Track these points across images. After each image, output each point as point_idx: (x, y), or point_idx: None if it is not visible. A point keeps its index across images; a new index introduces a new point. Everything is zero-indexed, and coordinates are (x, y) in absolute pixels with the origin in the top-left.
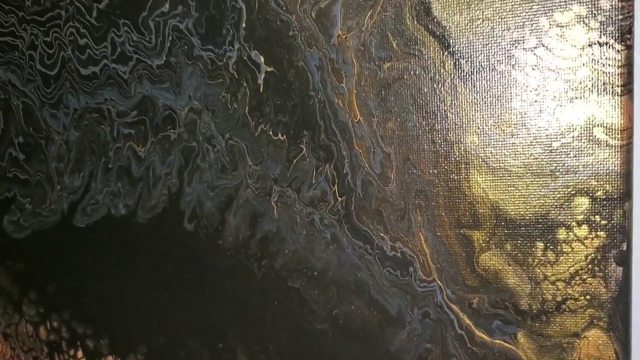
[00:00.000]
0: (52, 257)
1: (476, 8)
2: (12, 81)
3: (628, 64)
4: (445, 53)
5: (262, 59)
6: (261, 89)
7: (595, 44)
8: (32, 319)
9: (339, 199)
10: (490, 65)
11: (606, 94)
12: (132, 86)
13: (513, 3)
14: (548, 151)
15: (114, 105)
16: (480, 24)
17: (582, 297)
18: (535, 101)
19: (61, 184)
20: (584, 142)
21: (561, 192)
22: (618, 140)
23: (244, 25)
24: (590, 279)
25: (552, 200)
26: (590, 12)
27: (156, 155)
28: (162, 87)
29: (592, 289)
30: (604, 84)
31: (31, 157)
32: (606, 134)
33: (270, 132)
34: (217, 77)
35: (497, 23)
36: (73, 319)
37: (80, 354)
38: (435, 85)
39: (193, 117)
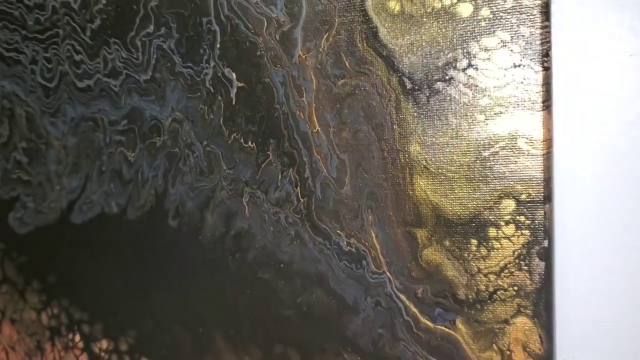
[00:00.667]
0: (53, 251)
1: (416, 33)
2: (16, 92)
3: (546, 84)
4: (391, 72)
5: (234, 75)
6: (233, 102)
7: (517, 65)
8: (35, 306)
9: (302, 200)
10: (429, 83)
11: (527, 109)
12: (122, 98)
13: (447, 29)
14: (479, 159)
15: (107, 114)
16: (419, 46)
17: (511, 288)
18: (467, 115)
19: (60, 184)
20: (509, 151)
21: (491, 195)
22: (539, 150)
23: (218, 45)
24: (517, 272)
25: (483, 202)
26: (512, 38)
27: (144, 160)
28: (149, 100)
29: (519, 281)
30: (525, 100)
31: (33, 160)
32: (528, 145)
33: (242, 140)
34: (196, 91)
35: (434, 46)
36: (71, 306)
37: (77, 337)
38: (382, 100)
39: (175, 126)
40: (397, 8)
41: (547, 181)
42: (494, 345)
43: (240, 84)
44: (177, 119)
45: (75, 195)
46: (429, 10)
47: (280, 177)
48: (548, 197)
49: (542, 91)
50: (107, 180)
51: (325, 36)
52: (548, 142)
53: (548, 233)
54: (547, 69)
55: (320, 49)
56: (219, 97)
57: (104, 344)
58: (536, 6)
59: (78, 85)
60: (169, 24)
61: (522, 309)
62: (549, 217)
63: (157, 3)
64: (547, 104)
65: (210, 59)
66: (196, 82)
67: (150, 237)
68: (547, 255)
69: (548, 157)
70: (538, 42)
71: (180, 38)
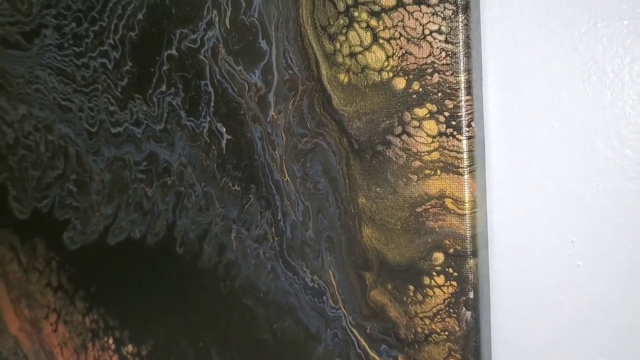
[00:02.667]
0: (93, 266)
1: (360, 102)
2: (69, 134)
3: (469, 150)
4: (342, 133)
5: (224, 129)
6: (224, 151)
7: (444, 134)
8: (81, 311)
9: (276, 238)
10: (372, 145)
11: (453, 173)
12: (143, 143)
13: (384, 100)
14: (413, 214)
15: (132, 156)
16: (363, 113)
17: (443, 333)
18: (402, 175)
19: (99, 211)
20: (438, 209)
21: (424, 247)
22: (464, 210)
23: (212, 104)
24: (447, 318)
25: (418, 253)
26: (439, 109)
27: (159, 195)
28: (162, 146)
29: (449, 327)
30: (451, 165)
31: (81, 190)
32: (454, 205)
33: (230, 184)
34: (196, 140)
35: (375, 114)
36: (106, 314)
37: (110, 340)
38: (336, 157)
39: (181, 169)
40: (346, 80)
41: (473, 238)
42: None
43: (229, 137)
44: (182, 163)
45: (110, 221)
46: (370, 82)
47: (259, 217)
48: (473, 253)
49: (466, 157)
50: (132, 210)
51: (291, 100)
52: (471, 203)
53: (474, 285)
54: (470, 138)
55: (288, 111)
56: (213, 147)
57: (130, 348)
58: (460, 82)
59: (112, 131)
60: (177, 85)
61: (452, 352)
62: (473, 271)
63: (168, 67)
64: (470, 169)
65: (207, 114)
66: (196, 133)
67: (163, 261)
68: (472, 306)
69: (472, 217)
70: (461, 114)
71: (185, 96)
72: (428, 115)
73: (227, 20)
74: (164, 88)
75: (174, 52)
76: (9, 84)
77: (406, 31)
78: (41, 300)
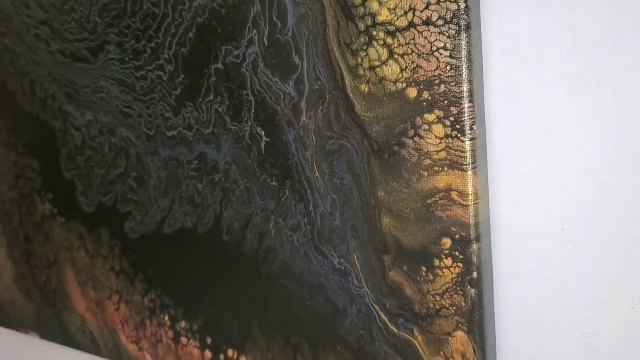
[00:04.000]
0: (151, 252)
1: (380, 109)
2: (129, 137)
3: (472, 150)
4: (364, 136)
5: (263, 133)
6: (263, 152)
7: (450, 136)
8: (140, 292)
9: (308, 227)
10: (389, 146)
11: (458, 170)
12: (194, 145)
13: (400, 106)
14: (424, 205)
15: (185, 157)
16: (382, 119)
17: (451, 308)
18: (415, 171)
19: (156, 204)
20: (446, 201)
21: (434, 234)
22: (468, 202)
23: (253, 111)
24: (455, 295)
25: (429, 239)
26: (445, 115)
27: (208, 190)
28: (211, 147)
29: (457, 303)
30: (456, 163)
31: (140, 186)
32: (459, 197)
33: (268, 180)
34: (240, 142)
35: (392, 119)
36: (163, 294)
37: (166, 318)
38: (359, 157)
39: (227, 167)
40: (366, 90)
41: (476, 226)
42: (441, 352)
43: (267, 139)
44: (228, 162)
45: (166, 213)
46: (387, 92)
47: (294, 209)
48: (477, 239)
49: (469, 156)
50: (185, 203)
51: (320, 108)
52: (474, 196)
53: (477, 266)
54: (472, 139)
55: (318, 117)
56: (254, 148)
57: (183, 324)
58: (463, 92)
59: (167, 134)
60: (223, 94)
61: (459, 325)
62: (477, 254)
63: (215, 79)
64: (473, 166)
65: (249, 120)
66: (240, 136)
67: (211, 247)
68: (476, 284)
69: (475, 207)
70: (464, 119)
71: (230, 104)
72: (436, 120)
73: (265, 39)
74: (211, 97)
75: (220, 66)
76: (77, 93)
77: (417, 48)
78: (105, 283)
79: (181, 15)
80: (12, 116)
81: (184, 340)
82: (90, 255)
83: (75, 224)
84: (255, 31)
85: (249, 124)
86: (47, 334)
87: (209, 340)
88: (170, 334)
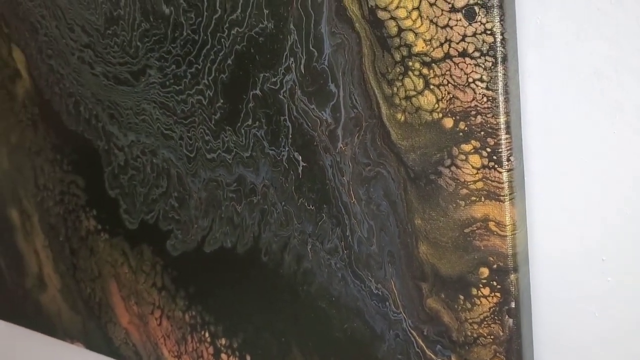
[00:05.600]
0: (192, 270)
1: (416, 138)
2: (171, 158)
3: (509, 181)
4: (400, 164)
5: (300, 157)
6: (300, 176)
7: (487, 167)
8: (181, 308)
9: (345, 251)
10: (425, 174)
11: (495, 200)
12: (233, 167)
13: (436, 136)
14: (462, 234)
15: (224, 178)
16: (418, 147)
17: (489, 337)
18: (452, 200)
19: (197, 224)
20: (483, 231)
21: (471, 263)
22: (505, 232)
23: (290, 136)
24: (493, 324)
25: (466, 268)
26: (482, 146)
27: (246, 212)
28: (249, 170)
29: (495, 332)
30: (493, 193)
31: (181, 205)
32: (496, 227)
33: (306, 204)
34: (277, 166)
35: (428, 148)
36: (203, 311)
37: (207, 334)
38: (395, 184)
39: (265, 190)
40: (402, 119)
41: (514, 256)
42: None
43: (304, 164)
44: (266, 185)
45: (206, 232)
46: (423, 121)
47: (331, 232)
48: (514, 269)
49: (507, 187)
50: (224, 224)
51: (357, 135)
52: (512, 226)
53: (515, 296)
54: (509, 170)
55: (354, 144)
56: (291, 172)
57: (223, 341)
58: (499, 123)
59: (207, 156)
60: (260, 120)
61: (497, 353)
62: (515, 284)
63: (253, 104)
64: (510, 197)
65: (286, 144)
66: (277, 160)
67: (250, 267)
68: (515, 314)
69: (512, 238)
70: (500, 150)
71: (268, 129)
72: (473, 151)
73: (302, 67)
74: (250, 122)
75: (258, 92)
76: (120, 115)
77: (453, 79)
78: (147, 298)
79: (220, 42)
80: (57, 134)
81: (224, 356)
82: (133, 271)
83: (119, 240)
84: (292, 59)
85: (287, 148)
86: (92, 345)
87: (248, 358)
88: (211, 350)
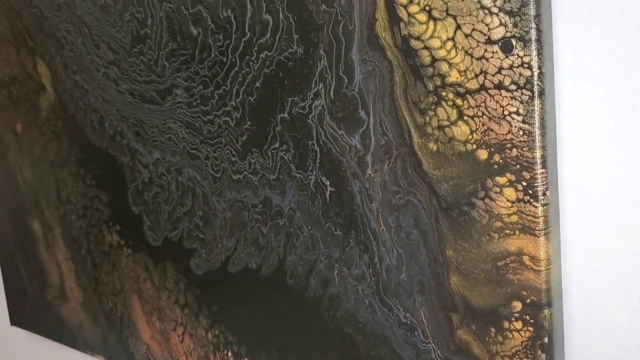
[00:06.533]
0: (216, 289)
1: (448, 168)
2: (196, 177)
3: (544, 216)
4: (432, 193)
5: (328, 182)
6: (328, 201)
7: (522, 200)
8: (204, 326)
9: (373, 278)
10: (458, 205)
11: (530, 235)
12: (259, 189)
13: (470, 167)
14: (495, 267)
15: (250, 200)
16: (450, 178)
17: None
18: (485, 233)
19: (221, 243)
20: (517, 265)
21: (504, 296)
22: (539, 267)
23: (318, 161)
24: (524, 358)
25: (499, 301)
26: (517, 179)
27: (272, 234)
28: (275, 192)
29: None
30: (528, 228)
31: (206, 224)
32: (531, 262)
33: (333, 228)
34: (304, 190)
35: (461, 179)
36: (226, 330)
37: (229, 353)
38: (426, 213)
39: (291, 213)
40: (435, 148)
41: (548, 291)
42: None
43: (332, 189)
44: (292, 208)
45: (230, 252)
46: (456, 152)
47: (358, 259)
48: (549, 304)
49: (542, 222)
50: (249, 245)
51: (387, 162)
52: (546, 261)
53: (549, 331)
54: (545, 205)
55: (384, 171)
56: (319, 196)
57: None
58: (535, 157)
59: (233, 177)
60: (288, 143)
61: None
62: (548, 319)
63: (281, 128)
64: (545, 232)
65: (313, 169)
66: (304, 184)
67: (275, 289)
68: (548, 349)
69: (547, 273)
70: (536, 184)
71: (295, 153)
72: (508, 184)
73: (331, 92)
74: (277, 145)
75: (286, 115)
76: (145, 132)
77: (488, 111)
78: (170, 314)
79: (248, 65)
80: (81, 149)
81: None
82: (155, 287)
83: (142, 256)
84: (321, 84)
85: (314, 172)
86: (114, 358)
87: None
88: None
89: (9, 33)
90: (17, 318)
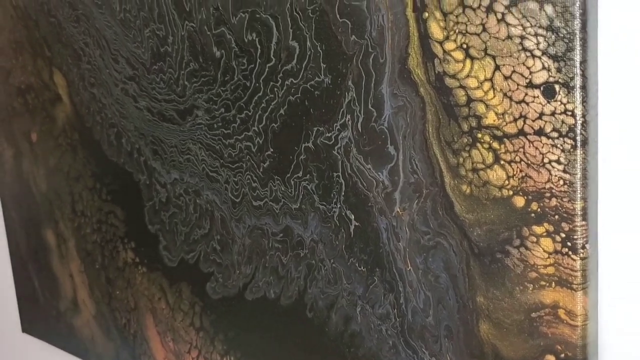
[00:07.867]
0: (232, 315)
1: (482, 212)
2: (215, 201)
3: (583, 270)
4: (463, 237)
5: (352, 216)
6: (352, 235)
7: (559, 252)
8: (219, 351)
9: (397, 319)
10: (491, 252)
11: (567, 288)
12: (280, 218)
13: (505, 213)
14: (528, 318)
15: (270, 227)
16: (484, 223)
17: None
18: (519, 282)
19: (239, 270)
20: (551, 318)
21: (537, 349)
22: (576, 321)
23: (343, 193)
24: None
25: (531, 353)
26: (555, 230)
27: (292, 264)
28: (297, 222)
29: None
30: (565, 281)
31: (224, 249)
32: (567, 316)
33: (356, 264)
34: (327, 222)
35: (496, 225)
36: (242, 357)
37: None
38: (457, 257)
39: (313, 244)
40: (468, 191)
41: (583, 347)
42: None
43: (357, 223)
44: (314, 239)
45: (248, 279)
46: (491, 197)
47: (383, 298)
48: (584, 359)
49: (580, 276)
50: (268, 273)
51: (416, 201)
52: (583, 316)
53: None
54: (584, 259)
55: (412, 210)
56: (342, 230)
57: None
58: (576, 209)
59: (253, 204)
60: (312, 173)
61: None
62: None
63: (305, 157)
64: (583, 286)
65: (338, 201)
66: (328, 216)
67: (294, 321)
68: None
69: (583, 328)
70: (575, 237)
71: (319, 184)
72: (545, 234)
73: (359, 125)
74: (300, 174)
75: (310, 145)
76: (164, 152)
77: (526, 157)
78: (185, 337)
79: (272, 91)
80: (97, 163)
81: None
82: (170, 308)
83: (157, 275)
84: (349, 116)
85: (338, 205)
86: None
87: None
88: None
89: (26, 41)
90: (29, 325)
